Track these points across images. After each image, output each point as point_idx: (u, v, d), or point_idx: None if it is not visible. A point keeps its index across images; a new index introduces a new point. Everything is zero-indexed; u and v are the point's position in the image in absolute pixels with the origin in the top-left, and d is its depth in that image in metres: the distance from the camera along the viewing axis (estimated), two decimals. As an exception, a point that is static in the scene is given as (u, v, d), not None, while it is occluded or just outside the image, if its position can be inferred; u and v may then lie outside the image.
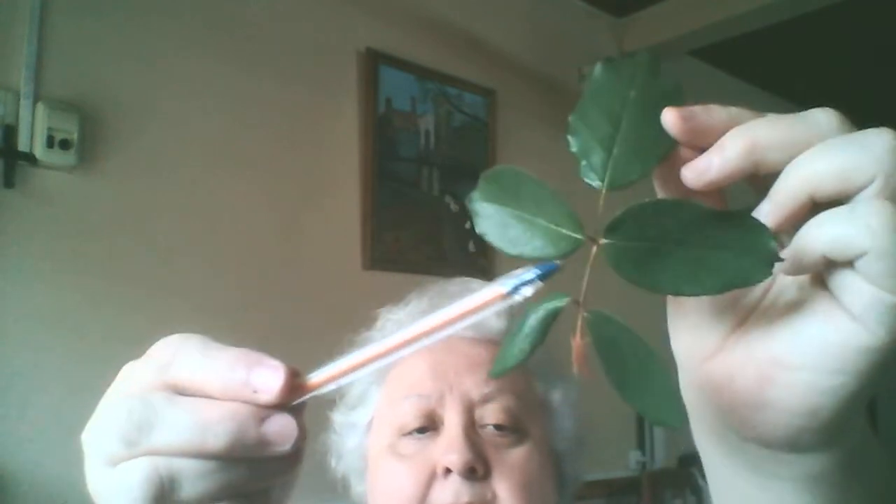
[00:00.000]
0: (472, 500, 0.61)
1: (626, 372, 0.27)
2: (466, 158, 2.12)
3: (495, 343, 0.69)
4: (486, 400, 0.65)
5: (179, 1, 1.60)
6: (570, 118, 0.31)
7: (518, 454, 0.65)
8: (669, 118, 0.29)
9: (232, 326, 1.57)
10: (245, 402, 0.27)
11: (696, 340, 0.32)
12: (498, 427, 0.65)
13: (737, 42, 2.49)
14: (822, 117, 0.28)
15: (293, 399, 0.28)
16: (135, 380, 0.29)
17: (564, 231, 0.29)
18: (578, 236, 0.28)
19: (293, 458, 0.28)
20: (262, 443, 0.27)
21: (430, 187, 2.03)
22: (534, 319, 0.29)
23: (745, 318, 0.31)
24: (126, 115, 1.50)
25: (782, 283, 0.30)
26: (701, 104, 0.30)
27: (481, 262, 2.08)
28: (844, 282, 0.26)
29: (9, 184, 1.33)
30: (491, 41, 2.22)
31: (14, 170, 1.34)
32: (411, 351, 0.29)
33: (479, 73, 2.15)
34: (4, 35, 1.36)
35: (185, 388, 0.28)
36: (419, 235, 1.99)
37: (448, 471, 0.62)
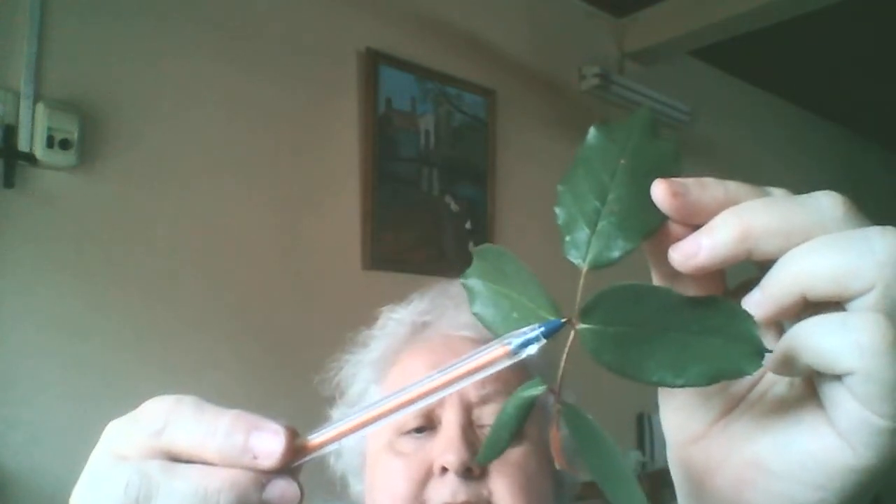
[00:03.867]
0: (468, 499, 0.61)
1: (601, 468, 0.26)
2: (466, 158, 2.12)
3: None
4: (484, 401, 0.66)
5: (179, 1, 1.60)
6: (559, 187, 0.29)
7: (515, 454, 0.65)
8: (659, 192, 0.26)
9: (232, 326, 1.58)
10: (244, 468, 0.27)
11: (682, 422, 0.31)
12: None
13: (737, 42, 2.49)
14: (826, 203, 0.26)
15: (293, 462, 0.28)
16: (126, 443, 0.28)
17: (543, 314, 0.28)
18: (555, 320, 0.27)
19: None
20: None
21: (430, 187, 2.03)
22: (511, 408, 0.29)
23: (732, 407, 0.30)
24: (126, 115, 1.50)
25: (773, 375, 0.29)
26: (695, 178, 0.27)
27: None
28: (832, 394, 0.24)
29: (9, 184, 1.33)
30: (491, 41, 2.22)
31: (14, 170, 1.34)
32: (412, 410, 0.28)
33: (479, 73, 2.15)
34: (4, 35, 1.36)
35: (180, 455, 0.27)
36: (419, 235, 1.98)
37: (445, 470, 0.62)
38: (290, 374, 1.51)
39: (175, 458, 0.28)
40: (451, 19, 2.12)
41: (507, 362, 0.27)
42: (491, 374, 0.69)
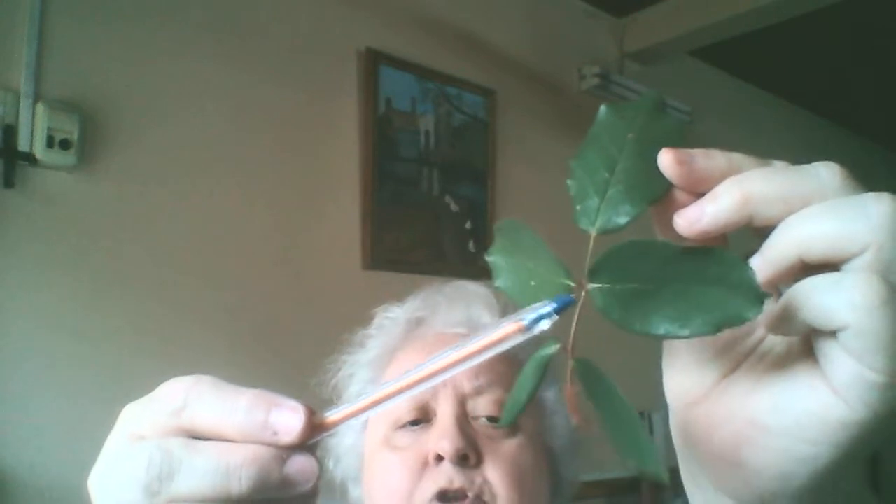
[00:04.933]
0: (463, 486, 0.62)
1: (612, 420, 0.27)
2: (466, 158, 2.12)
3: None
4: (478, 392, 0.66)
5: (179, 1, 1.60)
6: (571, 162, 0.31)
7: (510, 445, 0.65)
8: (666, 159, 0.28)
9: (232, 326, 1.58)
10: (265, 444, 0.27)
11: (684, 384, 0.32)
12: (490, 419, 0.66)
13: (737, 42, 2.49)
14: (825, 172, 0.27)
15: (311, 438, 0.28)
16: (145, 424, 0.29)
17: (558, 280, 0.29)
18: (569, 283, 0.29)
19: (312, 494, 0.29)
20: (285, 483, 0.27)
21: (430, 187, 2.03)
22: (528, 369, 0.30)
23: (732, 369, 0.31)
24: (126, 115, 1.50)
25: (773, 337, 0.30)
26: (702, 148, 0.28)
27: (481, 262, 2.07)
28: (828, 351, 0.26)
29: (9, 184, 1.33)
30: (491, 41, 2.22)
31: (14, 170, 1.34)
32: (428, 386, 0.29)
33: (479, 73, 2.15)
34: (4, 35, 1.36)
35: (200, 433, 0.28)
36: (419, 235, 1.98)
37: (440, 458, 0.63)
38: (290, 374, 1.50)
39: (195, 437, 0.28)
40: (451, 19, 2.12)
41: (521, 338, 0.28)
42: (484, 366, 0.70)
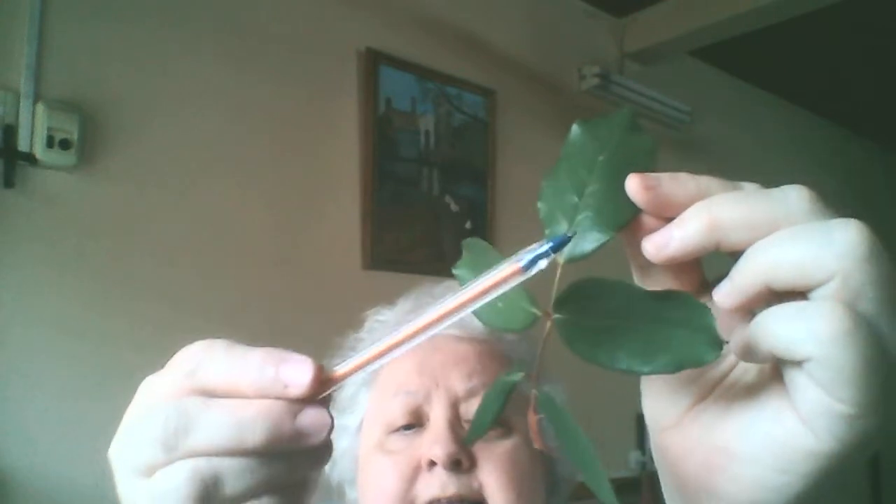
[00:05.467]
0: (458, 492, 0.61)
1: (574, 451, 0.28)
2: (466, 158, 2.12)
3: (479, 341, 0.70)
4: (470, 394, 0.66)
5: (179, 1, 1.60)
6: (542, 182, 0.30)
7: (505, 446, 0.65)
8: (633, 185, 0.28)
9: (232, 326, 1.58)
10: (276, 397, 0.28)
11: (659, 409, 0.32)
12: None
13: (737, 42, 2.49)
14: (793, 196, 0.27)
15: (321, 391, 0.29)
16: (162, 389, 0.29)
17: (523, 305, 0.29)
18: (535, 311, 0.29)
19: (326, 447, 0.29)
20: (298, 435, 0.28)
21: (430, 187, 2.03)
22: (492, 393, 0.31)
23: (705, 395, 0.31)
24: (126, 115, 1.50)
25: (744, 364, 0.30)
26: (670, 172, 0.28)
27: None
28: (795, 380, 0.25)
29: (9, 184, 1.33)
30: (491, 41, 2.22)
31: (14, 170, 1.34)
32: (435, 332, 0.29)
33: (479, 73, 2.15)
34: (4, 35, 1.36)
35: (215, 391, 0.29)
36: (419, 235, 1.98)
37: (433, 463, 0.63)
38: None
39: (211, 396, 0.29)
40: (451, 19, 2.12)
41: (520, 279, 0.28)
42: (478, 368, 0.69)
